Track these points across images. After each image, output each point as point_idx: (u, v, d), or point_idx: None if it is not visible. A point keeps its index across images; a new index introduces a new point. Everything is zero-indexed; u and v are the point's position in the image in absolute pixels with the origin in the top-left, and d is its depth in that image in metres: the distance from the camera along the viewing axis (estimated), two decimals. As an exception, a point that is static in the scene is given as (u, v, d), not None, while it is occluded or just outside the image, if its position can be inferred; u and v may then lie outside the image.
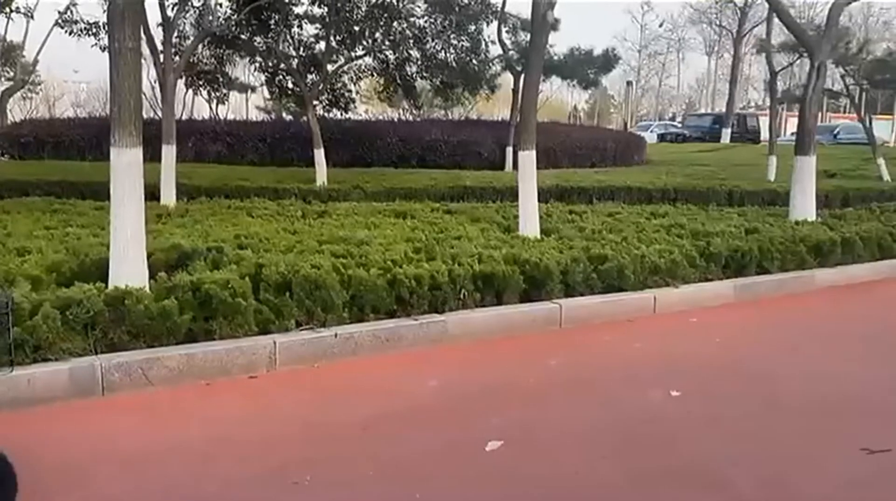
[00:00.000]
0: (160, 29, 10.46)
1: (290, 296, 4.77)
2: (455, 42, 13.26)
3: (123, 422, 3.70)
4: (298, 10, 13.41)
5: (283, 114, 24.29)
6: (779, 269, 7.04)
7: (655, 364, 4.81)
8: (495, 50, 15.65)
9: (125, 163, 4.91)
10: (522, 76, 10.57)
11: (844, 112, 42.49)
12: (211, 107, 23.54)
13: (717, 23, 41.36)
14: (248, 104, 34.86)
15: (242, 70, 22.74)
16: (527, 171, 7.88)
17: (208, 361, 4.28)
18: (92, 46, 12.09)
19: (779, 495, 3.07)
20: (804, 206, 9.28)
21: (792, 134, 25.19)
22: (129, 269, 4.82)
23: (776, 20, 11.79)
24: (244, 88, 26.62)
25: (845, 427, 3.79)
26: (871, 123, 16.39)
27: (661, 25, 52.30)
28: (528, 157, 7.86)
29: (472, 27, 13.46)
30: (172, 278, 4.71)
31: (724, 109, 38.83)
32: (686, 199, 11.80)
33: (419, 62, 13.96)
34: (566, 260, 5.92)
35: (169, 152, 9.70)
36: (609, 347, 5.17)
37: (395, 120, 19.63)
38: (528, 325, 5.45)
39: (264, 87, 17.23)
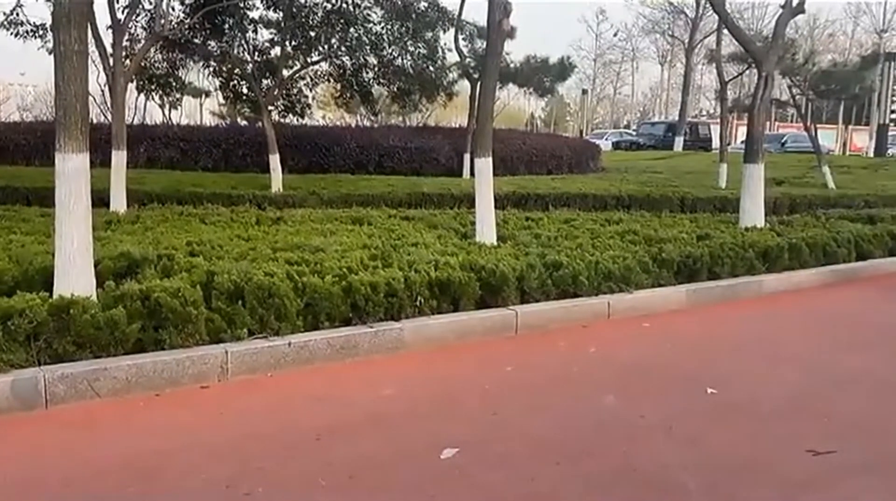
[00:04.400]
0: (110, 32, 10.25)
1: (242, 305, 4.70)
2: (412, 49, 13.26)
3: (66, 437, 3.58)
4: (253, 14, 13.28)
5: (238, 120, 23.97)
6: (729, 275, 7.18)
7: (609, 369, 4.84)
8: (452, 57, 15.70)
9: (71, 168, 4.78)
10: (479, 83, 10.58)
11: (792, 121, 43.63)
12: (164, 112, 23.12)
13: (670, 33, 42.16)
14: (202, 109, 34.35)
15: (196, 74, 22.42)
16: (484, 178, 7.89)
17: (158, 372, 4.19)
18: (38, 49, 11.80)
19: (729, 499, 3.11)
20: (753, 213, 9.48)
21: (742, 142, 25.78)
22: (75, 278, 4.69)
23: (726, 31, 12.03)
24: (198, 93, 26.23)
25: (791, 429, 3.87)
26: (816, 133, 16.84)
27: (615, 35, 53.21)
28: (485, 164, 7.88)
29: (430, 34, 13.46)
30: (121, 286, 4.60)
31: (676, 118, 39.60)
32: (640, 206, 12.00)
33: (376, 68, 13.91)
34: (522, 267, 5.95)
35: (119, 157, 9.49)
36: (564, 353, 5.19)
37: (353, 126, 19.53)
38: (484, 332, 5.45)
39: (218, 92, 17.06)
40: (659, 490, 3.14)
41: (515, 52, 16.08)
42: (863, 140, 42.33)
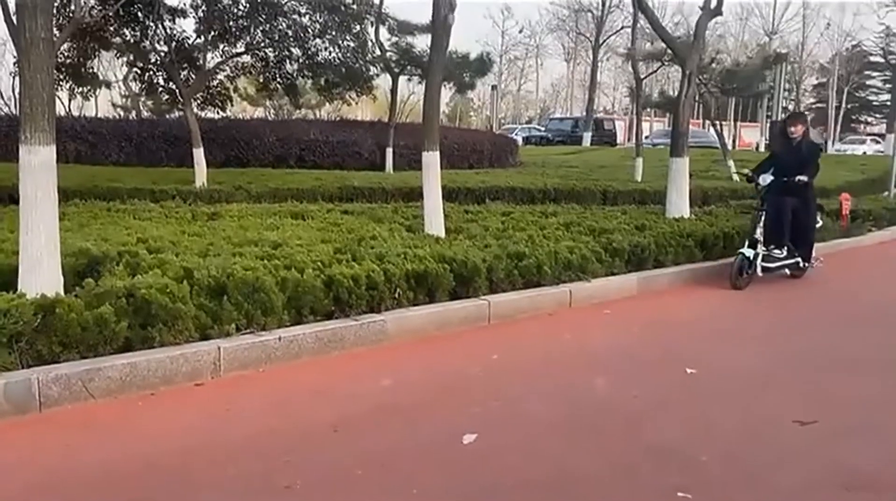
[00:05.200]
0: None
1: (227, 300, 4.61)
2: (340, 42, 13.15)
3: (69, 439, 3.44)
4: (171, 2, 12.82)
5: (144, 112, 23.01)
6: (672, 263, 7.58)
7: (588, 354, 5.06)
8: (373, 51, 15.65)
9: (38, 162, 4.58)
10: (425, 80, 10.48)
11: (695, 118, 45.87)
12: (64, 104, 21.90)
13: (576, 31, 43.41)
14: (97, 100, 32.64)
15: (98, 64, 21.32)
16: (431, 172, 7.95)
17: (152, 370, 4.06)
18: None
19: (739, 467, 3.34)
20: (679, 204, 9.98)
21: (646, 137, 26.96)
22: (42, 277, 4.49)
23: (647, 31, 12.60)
24: (99, 84, 24.94)
25: (771, 402, 4.17)
26: (722, 129, 17.81)
27: (520, 31, 54.25)
28: (432, 158, 7.95)
29: (357, 27, 13.39)
30: (100, 284, 4.43)
31: (580, 113, 40.88)
32: (566, 199, 12.37)
33: (300, 61, 13.72)
34: (489, 258, 6.08)
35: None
36: (541, 340, 5.37)
37: (272, 119, 19.14)
38: (459, 322, 5.55)
39: (120, 84, 16.40)
40: (677, 462, 3.34)
41: (421, 46, 16.28)
42: (751, 135, 45.03)
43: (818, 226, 8.25)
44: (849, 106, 55.35)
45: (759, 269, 7.42)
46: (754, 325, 6.11)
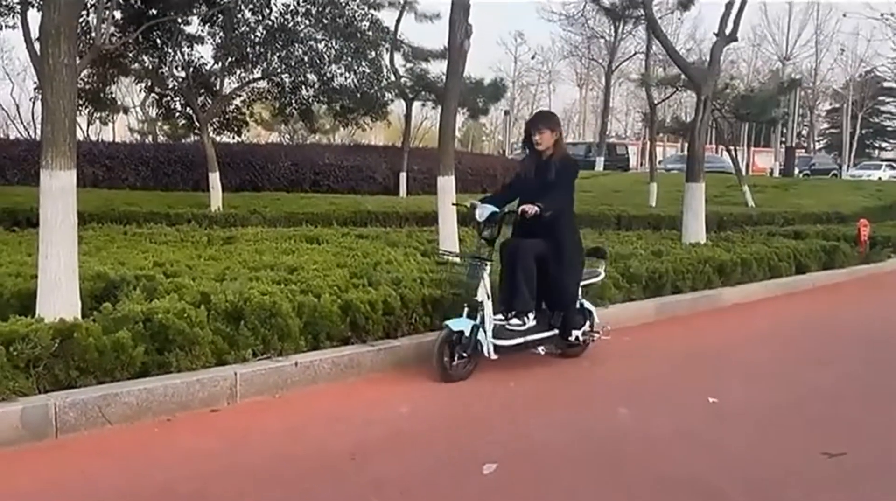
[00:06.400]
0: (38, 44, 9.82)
1: (244, 325, 4.59)
2: (356, 67, 13.27)
3: (88, 466, 3.40)
4: (189, 29, 13.00)
5: (160, 137, 23.25)
6: (690, 289, 7.51)
7: (608, 382, 5.00)
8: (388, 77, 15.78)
9: (58, 186, 4.59)
10: (440, 105, 10.51)
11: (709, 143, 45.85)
12: (81, 128, 22.18)
13: (589, 57, 43.64)
14: (114, 125, 33.02)
15: (116, 89, 21.60)
16: (446, 196, 7.93)
17: (168, 396, 4.04)
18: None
19: (767, 499, 3.27)
20: (696, 230, 9.94)
21: (660, 162, 26.95)
22: (61, 301, 4.50)
23: (660, 58, 12.64)
24: (117, 109, 25.27)
25: (798, 434, 4.09)
26: (737, 154, 17.78)
27: (533, 58, 54.54)
28: (448, 182, 7.93)
29: (373, 54, 13.52)
30: (117, 308, 4.42)
31: (592, 138, 40.94)
32: (579, 224, 12.27)
33: (316, 86, 13.85)
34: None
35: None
36: (559, 367, 5.30)
37: (287, 143, 19.31)
38: (476, 348, 5.49)
39: (137, 109, 16.58)
40: (701, 496, 3.27)
41: (435, 72, 16.43)
42: (764, 161, 44.92)
43: (593, 280, 5.71)
44: (863, 131, 55.27)
45: (487, 349, 4.88)
46: (779, 356, 6.01)
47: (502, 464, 3.50)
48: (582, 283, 5.44)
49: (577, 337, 5.32)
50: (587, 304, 5.57)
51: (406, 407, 4.32)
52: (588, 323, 5.47)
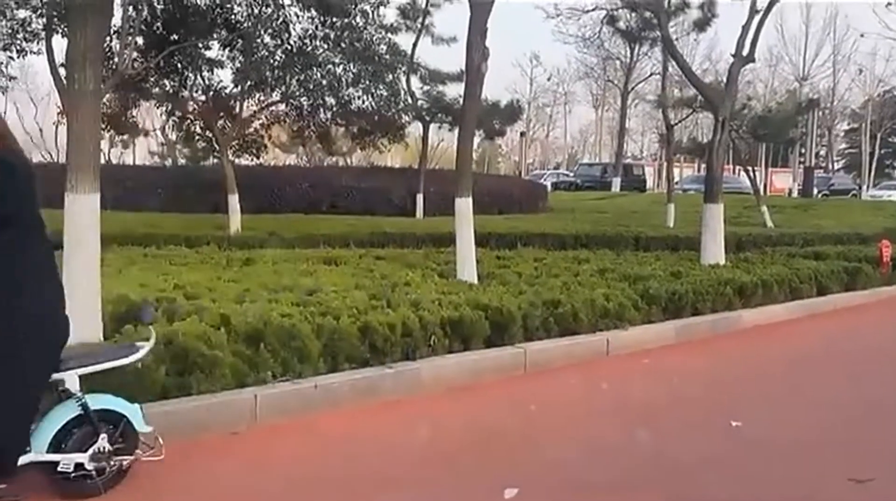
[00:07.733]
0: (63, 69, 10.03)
1: (264, 347, 4.60)
2: (373, 90, 13.40)
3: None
4: (210, 54, 13.20)
5: (180, 160, 23.54)
6: (710, 310, 7.45)
7: (628, 406, 4.95)
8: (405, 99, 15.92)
9: (82, 210, 4.67)
10: (457, 126, 10.52)
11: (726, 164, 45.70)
12: (102, 151, 22.53)
13: (605, 78, 43.77)
14: (134, 148, 33.55)
15: (138, 114, 21.94)
16: (463, 218, 7.94)
17: (189, 419, 4.05)
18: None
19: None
20: (714, 251, 9.86)
21: (677, 182, 26.84)
22: (83, 323, 4.52)
23: (676, 79, 12.66)
24: (138, 132, 25.63)
25: (824, 459, 4.02)
26: (755, 175, 17.69)
27: (549, 79, 54.75)
28: (465, 204, 7.95)
29: (390, 77, 13.65)
30: (138, 330, 4.45)
31: (608, 159, 40.94)
32: (597, 244, 12.26)
33: (334, 109, 13.99)
34: (525, 305, 6.03)
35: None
36: (579, 391, 5.27)
37: (305, 166, 19.45)
38: (495, 370, 5.48)
39: (157, 132, 16.86)
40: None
41: (451, 95, 16.61)
42: (782, 181, 44.67)
43: (122, 361, 3.50)
44: (882, 152, 54.75)
45: None
46: (801, 378, 5.92)
47: (523, 488, 3.47)
48: (85, 371, 3.38)
49: (77, 465, 3.17)
50: (113, 404, 3.41)
51: (426, 430, 4.31)
52: (109, 436, 3.28)
